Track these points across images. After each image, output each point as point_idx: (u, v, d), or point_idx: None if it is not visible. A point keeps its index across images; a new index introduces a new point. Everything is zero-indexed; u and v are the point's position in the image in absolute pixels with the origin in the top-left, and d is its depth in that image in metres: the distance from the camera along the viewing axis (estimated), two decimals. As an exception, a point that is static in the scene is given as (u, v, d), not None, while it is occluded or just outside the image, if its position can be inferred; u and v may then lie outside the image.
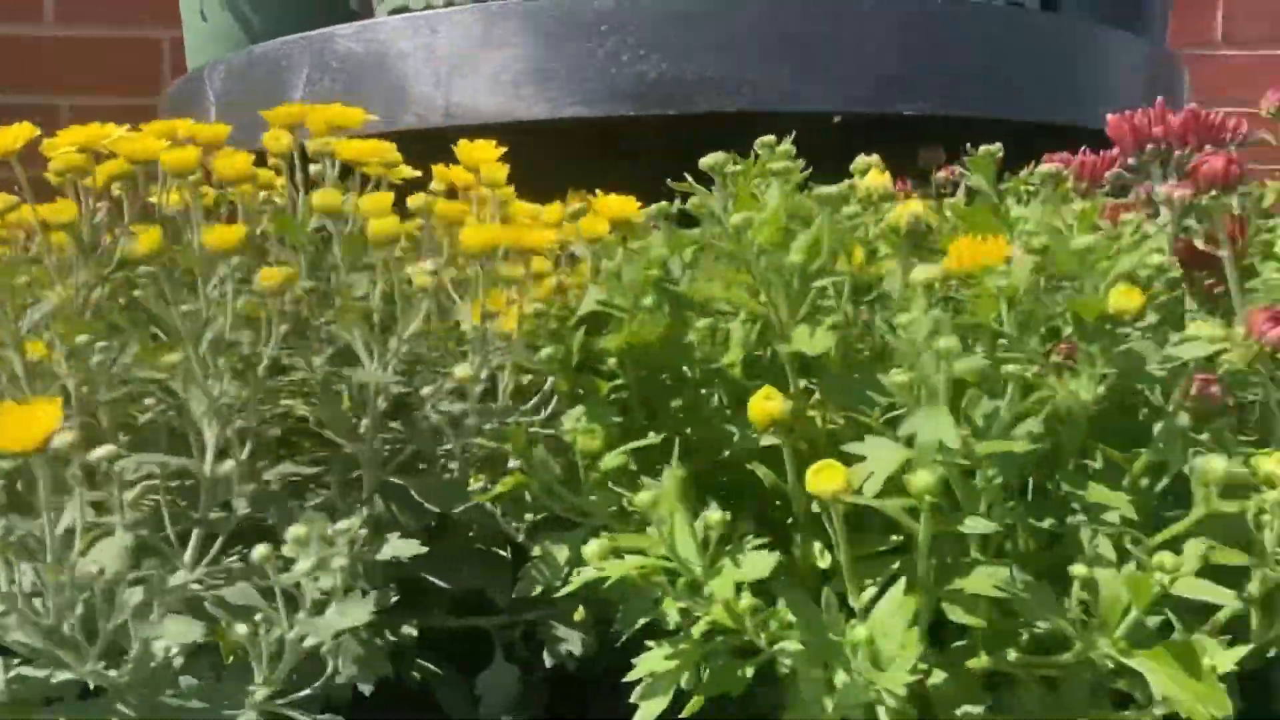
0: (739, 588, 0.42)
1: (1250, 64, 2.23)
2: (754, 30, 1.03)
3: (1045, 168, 0.73)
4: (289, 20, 1.30)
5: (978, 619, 0.44)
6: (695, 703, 0.45)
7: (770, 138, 0.72)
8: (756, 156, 0.69)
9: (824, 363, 0.49)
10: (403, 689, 0.64)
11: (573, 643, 0.58)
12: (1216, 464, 0.44)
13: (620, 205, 0.59)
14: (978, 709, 0.44)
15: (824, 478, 0.45)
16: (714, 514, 0.45)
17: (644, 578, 0.45)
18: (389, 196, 0.59)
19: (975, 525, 0.42)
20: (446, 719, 0.63)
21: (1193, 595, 0.45)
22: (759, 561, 0.43)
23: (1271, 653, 0.46)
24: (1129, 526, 0.48)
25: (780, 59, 1.03)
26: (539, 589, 0.54)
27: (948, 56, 1.06)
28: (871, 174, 0.69)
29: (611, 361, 0.55)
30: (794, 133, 0.73)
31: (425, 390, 0.50)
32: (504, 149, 0.80)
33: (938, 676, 0.43)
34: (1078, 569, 0.43)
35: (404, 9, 1.11)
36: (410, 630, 0.62)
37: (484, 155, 0.60)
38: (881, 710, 0.41)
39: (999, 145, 0.75)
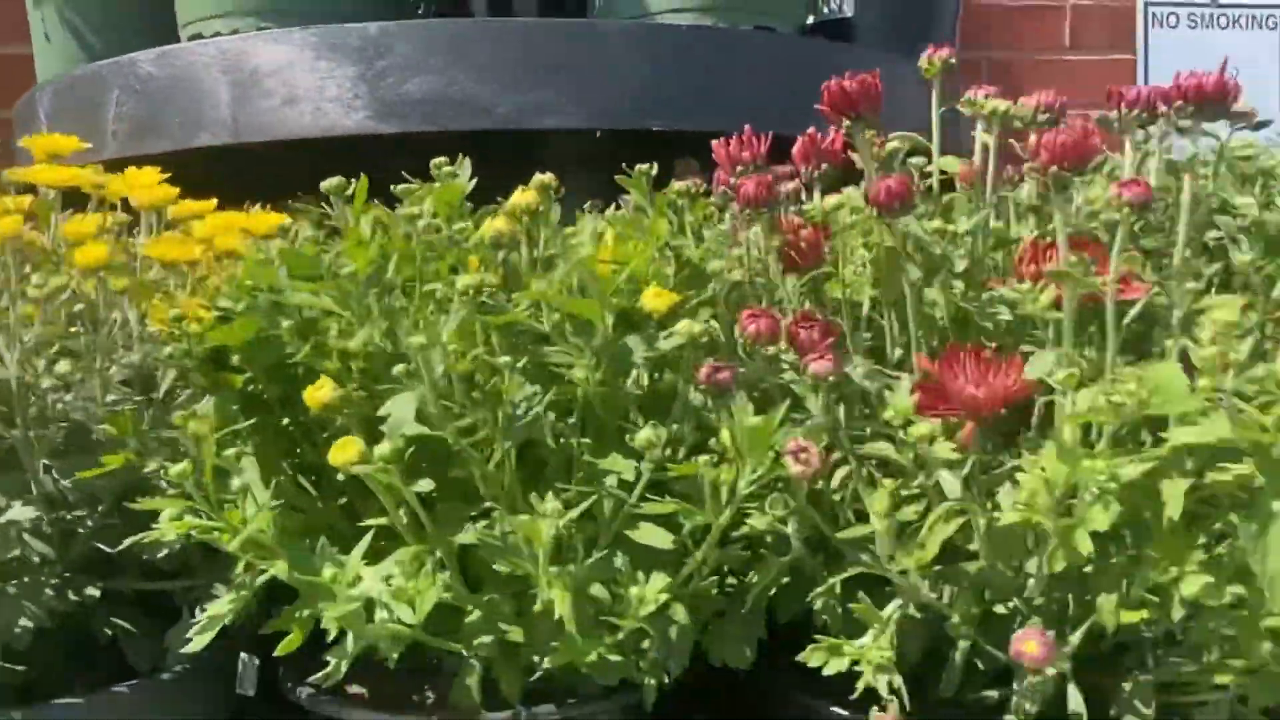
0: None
1: (1095, 67, 2.35)
2: (514, 53, 1.13)
3: (675, 185, 0.83)
4: (120, 42, 1.39)
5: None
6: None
7: (443, 159, 0.82)
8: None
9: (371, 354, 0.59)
10: (95, 642, 0.74)
11: (223, 601, 0.67)
12: (647, 433, 0.55)
13: (268, 220, 0.69)
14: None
15: (342, 450, 0.55)
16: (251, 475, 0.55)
17: (202, 534, 0.55)
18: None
19: (421, 485, 0.52)
20: (131, 669, 0.73)
21: (640, 539, 0.55)
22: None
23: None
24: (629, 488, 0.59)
25: (539, 80, 1.13)
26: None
27: (695, 77, 1.16)
28: (516, 195, 0.80)
29: (236, 358, 0.65)
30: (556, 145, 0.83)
31: (45, 383, 0.60)
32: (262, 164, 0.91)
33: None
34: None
35: (199, 36, 1.20)
36: (94, 591, 0.71)
37: (144, 181, 0.69)
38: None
39: (653, 164, 0.85)
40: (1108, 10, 2.36)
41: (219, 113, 1.16)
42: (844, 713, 0.58)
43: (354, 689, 0.69)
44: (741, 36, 1.21)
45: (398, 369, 0.55)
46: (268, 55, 1.14)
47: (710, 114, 1.16)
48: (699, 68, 1.17)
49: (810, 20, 1.56)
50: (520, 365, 0.58)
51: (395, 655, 0.57)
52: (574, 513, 0.53)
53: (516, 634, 0.58)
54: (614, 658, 0.58)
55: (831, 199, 0.66)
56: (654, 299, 0.65)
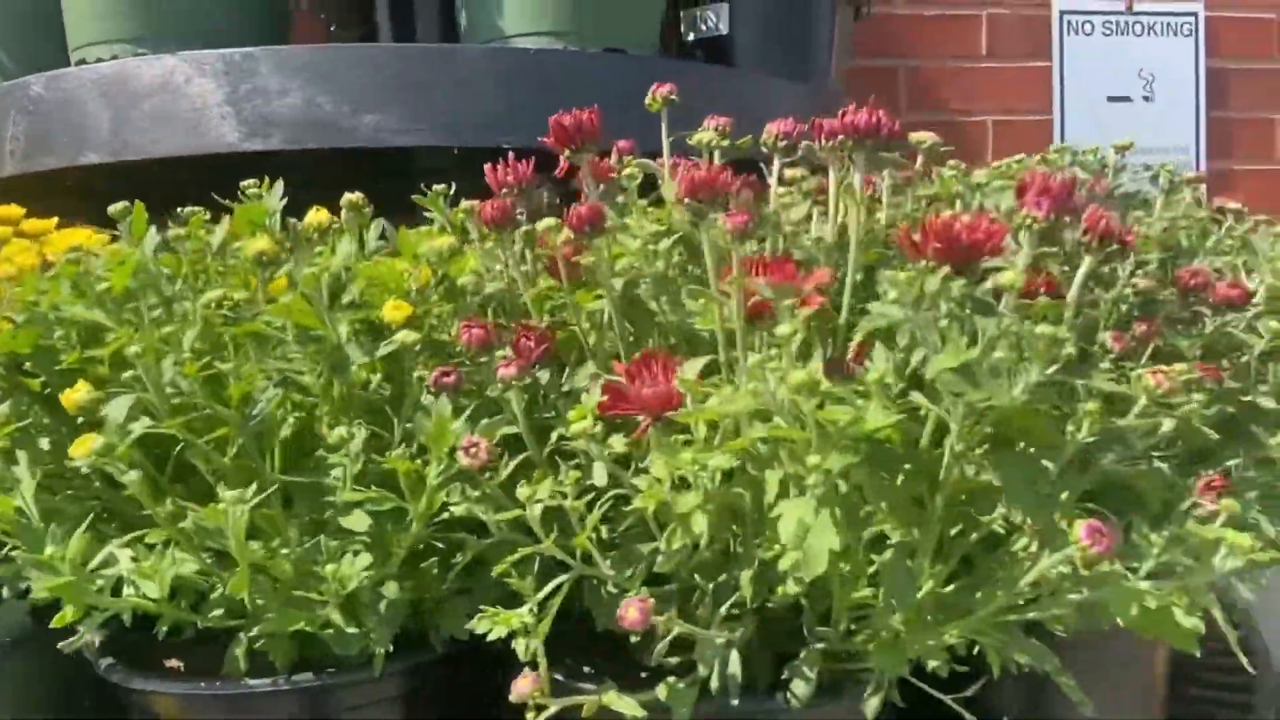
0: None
1: (1013, 75, 2.42)
2: (372, 76, 1.21)
3: (465, 204, 0.91)
4: (31, 63, 1.48)
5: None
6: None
7: (252, 180, 0.91)
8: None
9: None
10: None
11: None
12: (339, 432, 0.63)
13: (70, 237, 0.77)
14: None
15: (79, 446, 0.63)
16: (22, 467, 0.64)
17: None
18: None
19: (129, 476, 0.61)
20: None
21: (346, 524, 0.64)
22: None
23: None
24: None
25: (395, 100, 1.22)
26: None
27: (544, 97, 1.25)
28: (311, 214, 0.88)
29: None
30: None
31: None
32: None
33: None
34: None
35: (83, 61, 1.29)
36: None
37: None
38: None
39: (448, 184, 0.93)
40: (1023, 19, 2.42)
41: (101, 133, 1.25)
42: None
43: (172, 662, 0.78)
44: (590, 59, 1.29)
45: (127, 375, 0.63)
46: (143, 79, 1.23)
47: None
48: (547, 88, 1.25)
49: (691, 38, 1.64)
50: (259, 369, 0.66)
51: (164, 627, 0.66)
52: (255, 499, 0.61)
53: (248, 607, 0.66)
54: (332, 628, 0.66)
55: (548, 221, 0.74)
56: (391, 311, 0.73)
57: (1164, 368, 0.61)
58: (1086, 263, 0.73)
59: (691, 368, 0.64)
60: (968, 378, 0.52)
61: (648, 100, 0.81)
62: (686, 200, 0.63)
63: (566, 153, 0.75)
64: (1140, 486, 0.70)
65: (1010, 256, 0.68)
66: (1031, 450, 0.59)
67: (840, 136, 0.70)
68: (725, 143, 0.77)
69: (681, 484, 0.59)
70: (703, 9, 1.60)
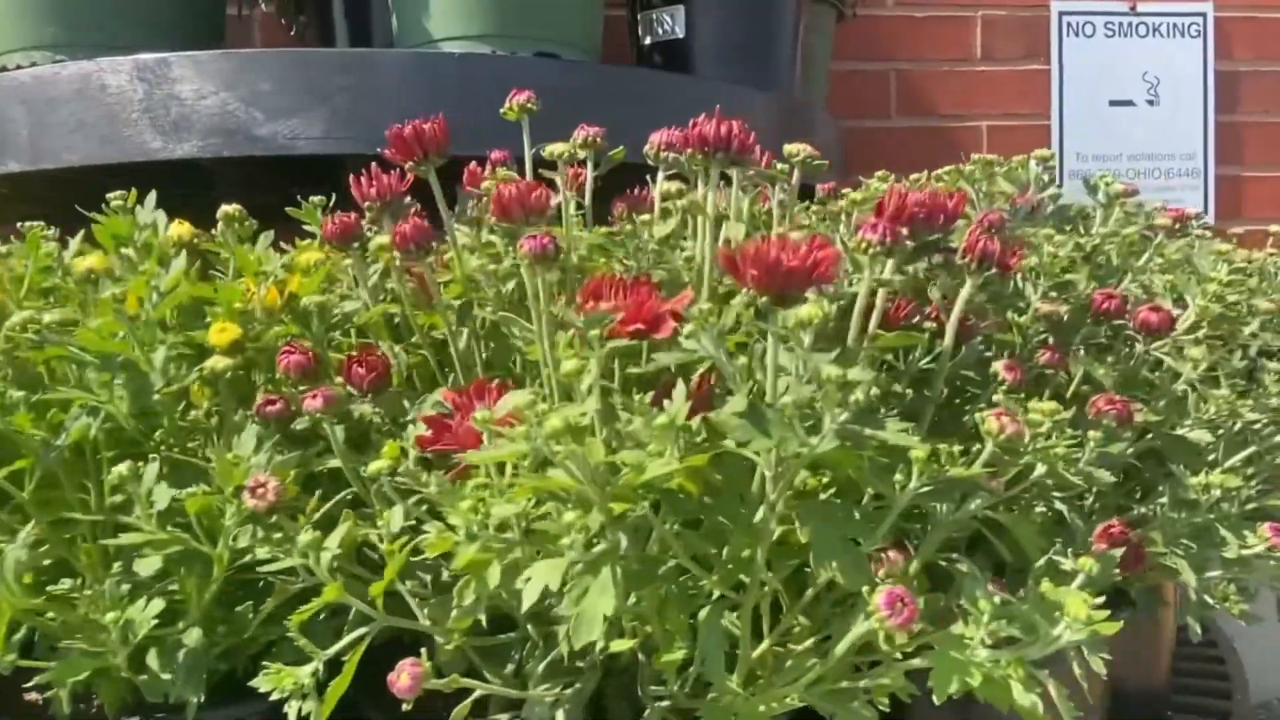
0: None
1: (1008, 78, 2.34)
2: (288, 82, 1.17)
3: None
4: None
5: None
6: None
7: (119, 193, 0.87)
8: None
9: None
10: None
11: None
12: (122, 468, 0.59)
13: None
14: None
15: None
16: None
17: None
18: None
19: None
20: None
21: (139, 569, 0.59)
22: None
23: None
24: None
25: (311, 107, 1.17)
26: None
27: (468, 103, 1.20)
28: (173, 227, 0.84)
29: None
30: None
31: None
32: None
33: None
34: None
35: (4, 69, 1.26)
36: None
37: None
38: None
39: (324, 196, 0.89)
40: (1020, 20, 2.34)
41: (20, 141, 1.22)
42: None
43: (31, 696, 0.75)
44: (518, 63, 1.24)
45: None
46: (59, 86, 1.20)
47: (484, 140, 1.19)
48: (471, 95, 1.20)
49: (647, 41, 1.58)
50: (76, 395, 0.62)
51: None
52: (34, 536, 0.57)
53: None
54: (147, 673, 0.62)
55: (381, 239, 0.69)
56: (217, 334, 0.69)
57: (1009, 410, 0.55)
58: (967, 286, 0.67)
59: (508, 401, 0.59)
60: (757, 423, 0.46)
61: (503, 109, 0.76)
62: (496, 220, 0.58)
63: (409, 165, 0.70)
64: (1018, 535, 0.63)
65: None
66: (863, 499, 0.53)
67: (690, 149, 0.64)
68: (585, 153, 0.72)
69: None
70: (658, 11, 1.54)
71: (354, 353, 0.69)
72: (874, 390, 0.60)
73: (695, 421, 0.50)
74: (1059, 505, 0.72)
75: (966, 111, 2.34)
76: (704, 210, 0.64)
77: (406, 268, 0.72)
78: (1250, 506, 0.86)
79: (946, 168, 0.94)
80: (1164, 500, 0.80)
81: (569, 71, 1.26)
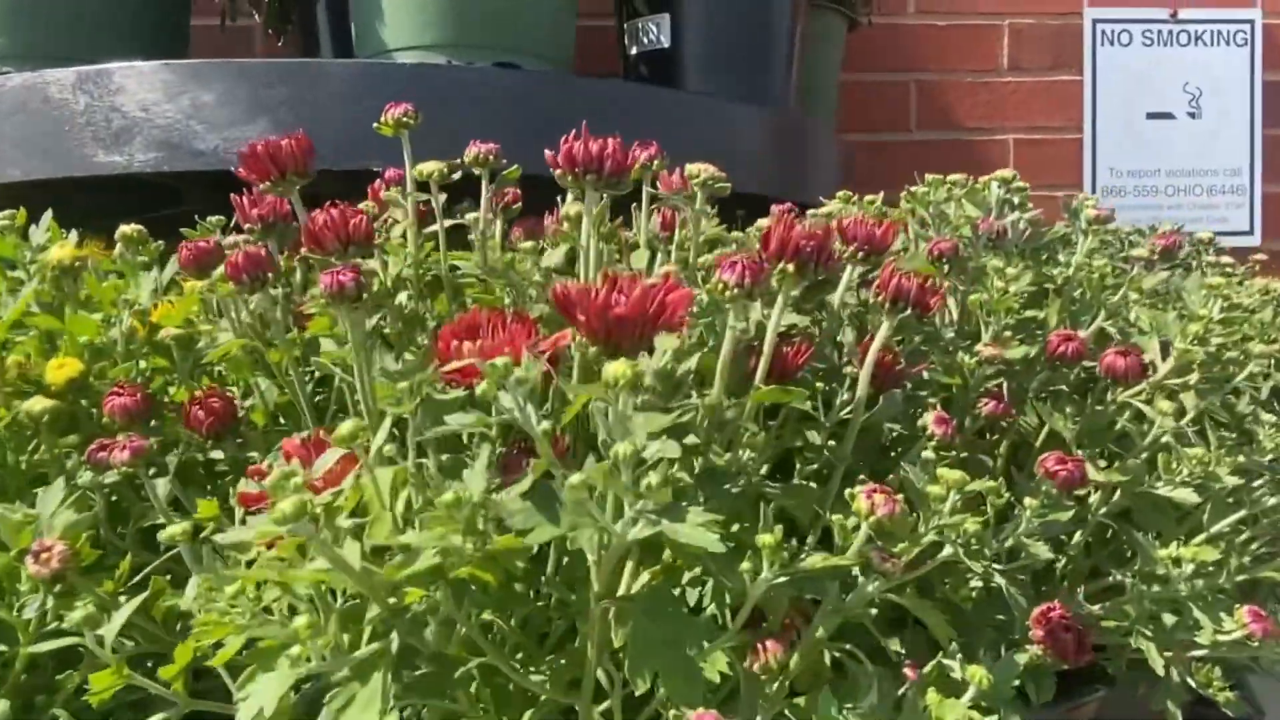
0: None
1: (1037, 89, 2.22)
2: (231, 94, 1.12)
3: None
4: None
5: None
6: None
7: (9, 212, 0.82)
8: None
9: None
10: None
11: None
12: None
13: None
14: None
15: None
16: None
17: None
18: None
19: None
20: None
21: None
22: None
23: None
24: None
25: (255, 119, 1.12)
26: None
27: (423, 116, 1.13)
28: (54, 249, 0.78)
29: None
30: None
31: None
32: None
33: None
34: None
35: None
36: None
37: None
38: None
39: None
40: (1050, 29, 2.22)
41: (-35, 154, 1.19)
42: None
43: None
44: (474, 74, 1.17)
45: None
46: (4, 99, 1.16)
47: (435, 153, 1.13)
48: (423, 107, 1.14)
49: (633, 51, 1.50)
50: None
51: None
52: None
53: None
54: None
55: (218, 271, 0.62)
56: (54, 370, 0.63)
57: (881, 489, 0.46)
58: (883, 329, 0.58)
59: (327, 458, 0.52)
60: (544, 507, 0.38)
61: (377, 124, 0.69)
62: (308, 250, 0.50)
63: (263, 185, 0.63)
64: (926, 621, 0.54)
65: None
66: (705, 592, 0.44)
67: (558, 170, 0.57)
68: (452, 175, 0.64)
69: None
70: (644, 20, 1.47)
71: (199, 393, 0.62)
72: (749, 453, 0.52)
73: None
74: (999, 580, 0.63)
75: (992, 124, 2.23)
76: (573, 238, 0.57)
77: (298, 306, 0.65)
78: (1241, 578, 0.76)
79: (911, 188, 0.85)
80: (1138, 569, 0.70)
81: (530, 83, 1.19)
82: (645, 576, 0.46)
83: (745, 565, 0.43)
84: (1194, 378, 0.76)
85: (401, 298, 0.68)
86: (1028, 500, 0.60)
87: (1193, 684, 0.72)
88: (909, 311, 0.57)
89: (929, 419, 0.63)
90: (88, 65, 1.13)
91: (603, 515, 0.38)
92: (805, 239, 0.52)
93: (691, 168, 0.64)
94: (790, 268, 0.52)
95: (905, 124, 2.22)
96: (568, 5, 1.27)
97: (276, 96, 1.13)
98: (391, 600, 0.41)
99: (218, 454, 0.63)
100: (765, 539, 0.42)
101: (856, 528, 0.46)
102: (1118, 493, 0.71)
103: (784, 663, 0.51)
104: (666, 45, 1.46)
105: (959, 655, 0.53)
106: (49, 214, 0.85)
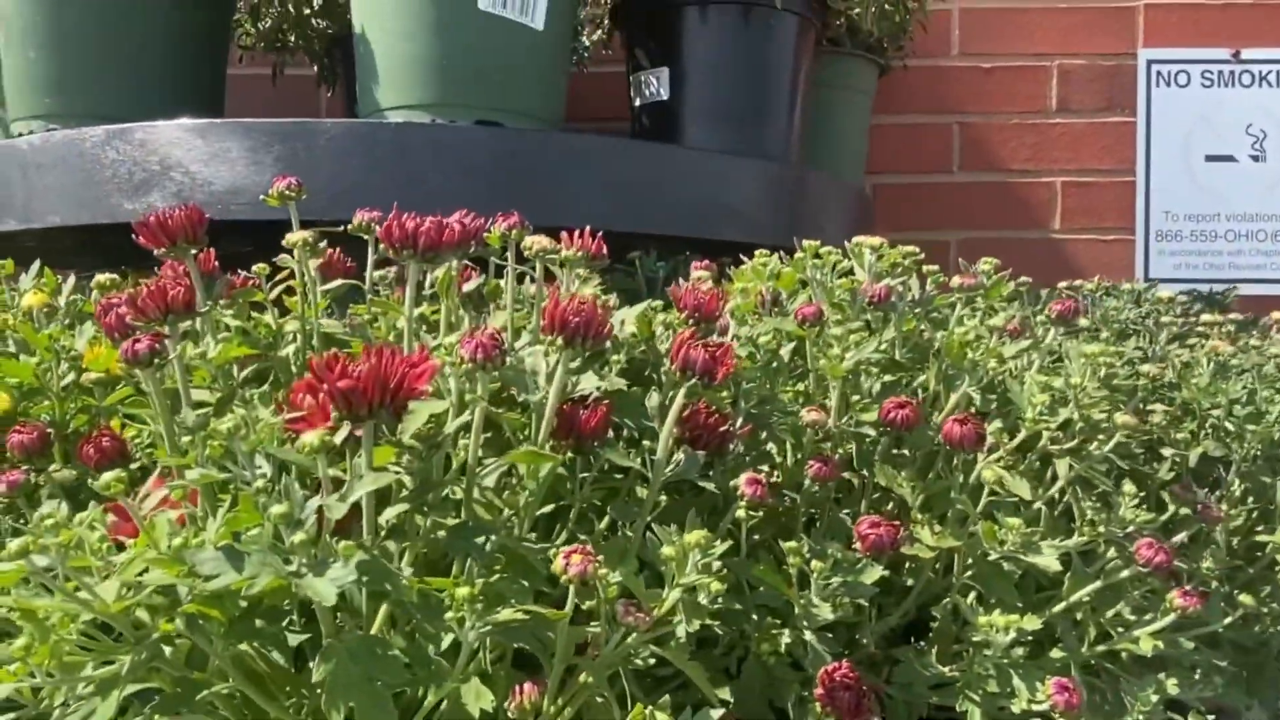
0: None
1: (1087, 132, 2.17)
2: (238, 151, 1.23)
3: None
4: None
5: None
6: None
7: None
8: None
9: None
10: None
11: None
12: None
13: None
14: None
15: None
16: None
17: None
18: None
19: None
20: None
21: None
22: None
23: None
24: None
25: (257, 175, 1.23)
26: None
27: (401, 171, 1.22)
28: (26, 297, 0.89)
29: None
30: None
31: None
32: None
33: None
34: None
35: (15, 134, 1.38)
36: None
37: None
38: None
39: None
40: (1101, 69, 2.17)
41: (16, 203, 1.34)
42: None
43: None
44: (454, 132, 1.25)
45: None
46: (48, 153, 1.30)
47: (415, 206, 1.21)
48: (405, 163, 1.23)
49: (637, 103, 1.57)
50: None
51: None
52: None
53: None
54: None
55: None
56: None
57: (580, 550, 0.50)
58: (677, 400, 0.62)
59: (157, 495, 0.59)
60: (232, 557, 0.44)
61: (263, 195, 0.77)
62: (132, 319, 0.58)
63: (159, 252, 0.71)
64: (690, 675, 0.58)
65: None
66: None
67: (392, 244, 0.63)
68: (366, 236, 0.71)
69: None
70: (645, 74, 1.53)
71: (96, 432, 0.71)
72: (507, 511, 0.56)
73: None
74: (809, 635, 0.65)
75: (1039, 167, 2.19)
76: (397, 309, 0.63)
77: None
78: (1101, 649, 0.75)
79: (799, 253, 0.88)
80: (975, 636, 0.71)
81: (508, 140, 1.26)
82: (380, 620, 0.52)
83: (449, 615, 0.48)
84: (1061, 445, 0.76)
85: (290, 350, 0.75)
86: (814, 564, 0.62)
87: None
88: (696, 380, 0.61)
89: (741, 480, 0.66)
90: (115, 124, 1.27)
91: (285, 566, 0.43)
92: (574, 314, 0.57)
93: (528, 240, 0.70)
94: (560, 340, 0.57)
95: (947, 165, 2.20)
96: (556, 63, 1.34)
97: (275, 154, 1.23)
98: (139, 630, 0.48)
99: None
100: (459, 592, 0.47)
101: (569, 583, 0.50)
102: (957, 558, 0.73)
103: (537, 705, 0.55)
104: (665, 98, 1.51)
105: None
106: (37, 263, 0.96)
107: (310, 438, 0.45)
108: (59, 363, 0.79)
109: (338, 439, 0.46)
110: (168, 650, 0.51)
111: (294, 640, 0.54)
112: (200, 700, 0.49)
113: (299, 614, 0.52)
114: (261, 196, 0.78)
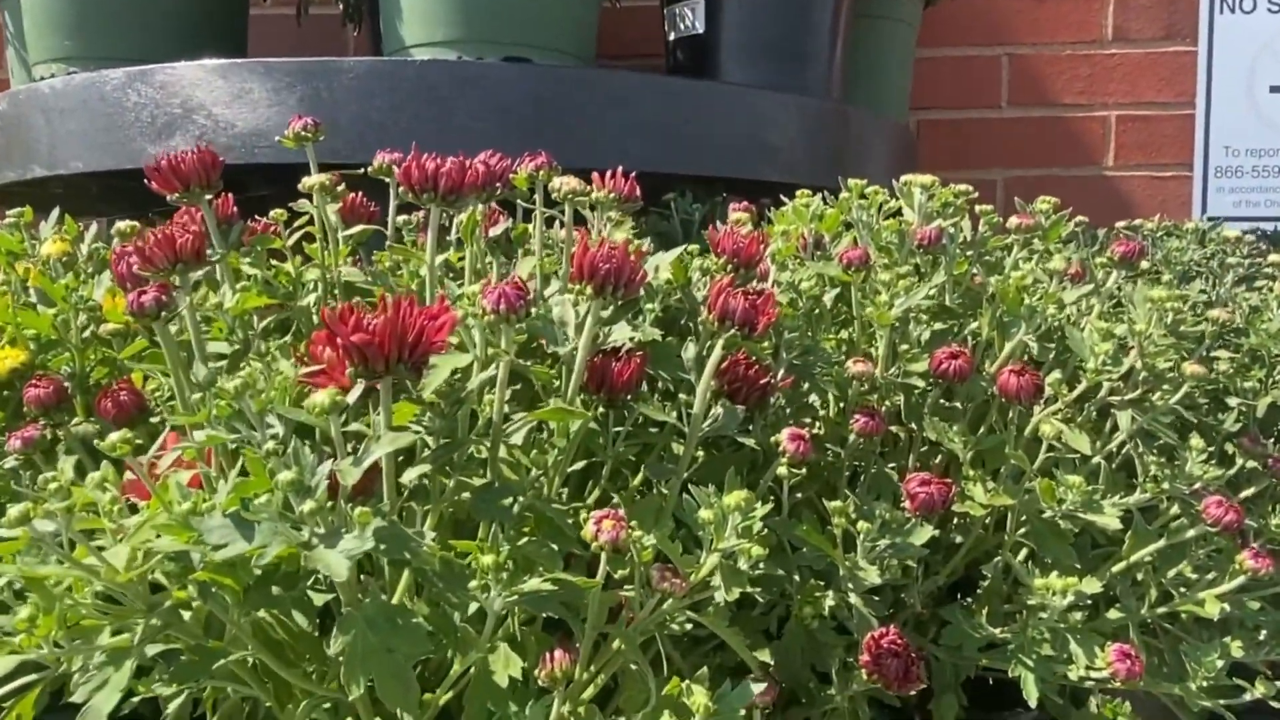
0: None
1: (1145, 62, 2.07)
2: (259, 93, 1.20)
3: None
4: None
5: None
6: None
7: (15, 210, 0.91)
8: None
9: None
10: None
11: None
12: None
13: None
14: None
15: None
16: None
17: None
18: None
19: None
20: None
21: None
22: None
23: None
24: None
25: (278, 117, 1.19)
26: None
27: (427, 110, 1.18)
28: (46, 245, 0.87)
29: None
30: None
31: None
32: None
33: None
34: None
35: (39, 78, 1.36)
36: None
37: None
38: None
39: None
40: (1161, -5, 2.06)
41: (40, 148, 1.31)
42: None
43: None
44: (480, 69, 1.20)
45: None
46: (69, 97, 1.27)
47: (443, 147, 1.17)
48: (431, 101, 1.19)
49: (671, 37, 1.50)
50: None
51: None
52: None
53: None
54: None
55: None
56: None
57: (611, 514, 0.47)
58: (715, 352, 0.58)
59: (169, 457, 0.57)
60: (241, 525, 0.41)
61: (279, 137, 0.73)
62: (141, 269, 0.55)
63: (173, 197, 0.68)
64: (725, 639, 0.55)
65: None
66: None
67: (412, 187, 0.59)
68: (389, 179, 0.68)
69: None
70: (680, 5, 1.47)
71: (115, 385, 0.68)
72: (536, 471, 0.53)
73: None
74: (854, 599, 0.62)
75: (1092, 100, 2.09)
76: (418, 255, 0.59)
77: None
78: (1161, 610, 0.71)
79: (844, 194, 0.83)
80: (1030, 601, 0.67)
81: (537, 76, 1.21)
82: (402, 587, 0.49)
83: (474, 584, 0.45)
84: (1123, 396, 0.72)
85: (310, 300, 0.72)
86: (861, 525, 0.59)
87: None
88: (735, 330, 0.57)
89: (783, 436, 0.63)
90: (139, 66, 1.23)
91: (296, 535, 0.41)
92: (604, 260, 0.53)
93: (556, 181, 0.66)
94: (589, 289, 0.53)
95: (995, 100, 2.11)
96: (586, -2, 1.29)
97: (298, 94, 1.20)
98: (153, 596, 0.46)
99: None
100: (484, 560, 0.44)
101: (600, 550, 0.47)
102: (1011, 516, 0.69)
103: (569, 673, 0.53)
104: (701, 31, 1.45)
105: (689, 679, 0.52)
106: (56, 210, 0.94)
107: (320, 397, 0.42)
108: (77, 314, 0.77)
109: (350, 398, 0.43)
110: (186, 616, 0.49)
111: (319, 600, 0.52)
112: (218, 669, 0.47)
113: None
114: (278, 138, 0.74)
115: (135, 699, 0.56)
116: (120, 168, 1.27)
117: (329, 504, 0.40)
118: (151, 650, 0.50)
